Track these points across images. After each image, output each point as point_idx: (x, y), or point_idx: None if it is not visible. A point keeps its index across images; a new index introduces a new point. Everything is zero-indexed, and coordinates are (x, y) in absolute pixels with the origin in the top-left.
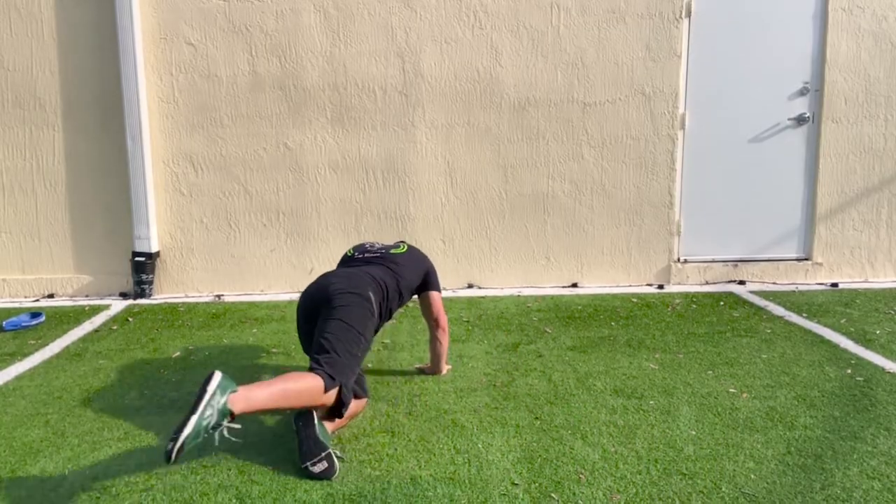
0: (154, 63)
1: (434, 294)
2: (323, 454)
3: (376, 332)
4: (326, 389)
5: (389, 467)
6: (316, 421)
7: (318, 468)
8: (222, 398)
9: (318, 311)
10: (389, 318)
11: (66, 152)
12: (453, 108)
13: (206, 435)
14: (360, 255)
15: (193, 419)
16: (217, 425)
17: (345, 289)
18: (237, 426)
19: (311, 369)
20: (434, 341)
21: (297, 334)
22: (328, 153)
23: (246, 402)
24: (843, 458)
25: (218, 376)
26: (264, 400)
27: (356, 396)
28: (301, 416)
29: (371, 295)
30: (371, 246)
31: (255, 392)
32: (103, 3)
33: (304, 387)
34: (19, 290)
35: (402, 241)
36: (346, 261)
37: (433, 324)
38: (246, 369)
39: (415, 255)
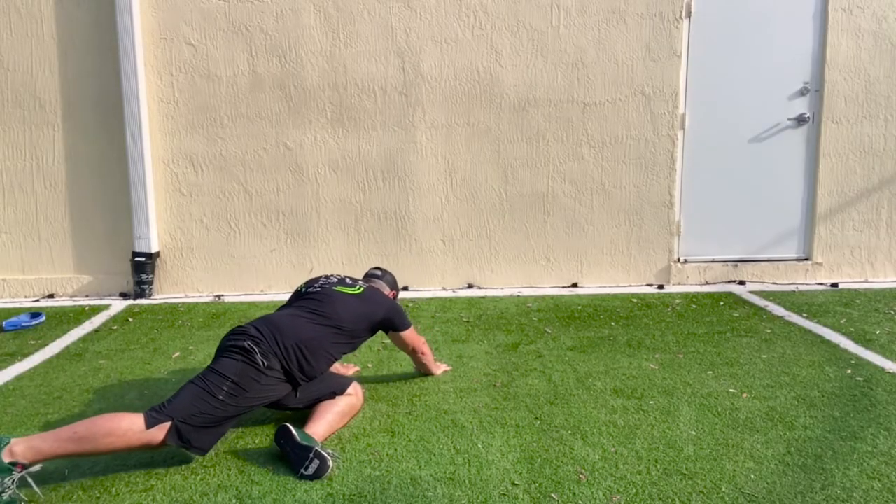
0: (154, 63)
1: (404, 333)
2: (311, 454)
3: (314, 375)
4: (148, 426)
5: (389, 467)
6: (294, 430)
7: (311, 469)
8: None
9: None
10: (322, 360)
11: (66, 152)
12: (453, 108)
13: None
14: (305, 290)
15: None
16: (4, 483)
17: (231, 341)
18: (35, 468)
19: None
20: (417, 364)
21: None
22: (328, 153)
23: (30, 450)
24: (843, 458)
25: None
26: (53, 446)
27: (338, 393)
28: (280, 433)
29: (249, 345)
30: (328, 279)
31: (41, 440)
32: (103, 3)
33: (112, 428)
34: (19, 290)
35: (376, 270)
36: (293, 295)
37: (410, 354)
38: None
39: (370, 297)
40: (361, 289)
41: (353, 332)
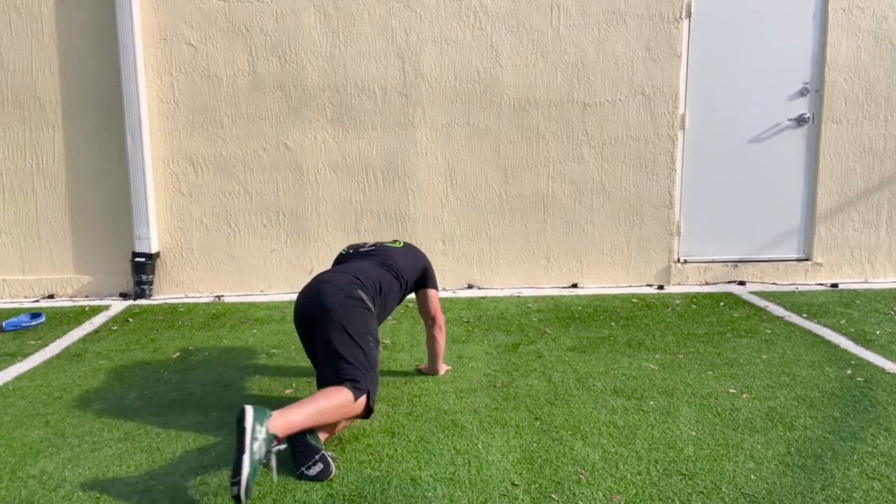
0: (154, 63)
1: (432, 291)
2: (317, 456)
3: (380, 323)
4: (356, 399)
5: (389, 467)
6: None
7: (313, 471)
8: (262, 428)
9: (313, 319)
10: (389, 309)
11: (66, 152)
12: (453, 109)
13: (262, 465)
14: (354, 252)
15: (246, 459)
16: (268, 453)
17: (335, 293)
18: (283, 446)
19: (338, 383)
20: (431, 339)
21: (296, 335)
22: (328, 153)
23: (286, 424)
24: (843, 458)
25: (250, 411)
26: (302, 420)
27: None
28: None
29: (359, 293)
30: (365, 243)
31: (291, 415)
32: (103, 4)
33: (337, 402)
34: (19, 290)
35: (397, 240)
36: (340, 259)
37: (430, 322)
38: (246, 370)
39: (411, 250)
40: (402, 243)
41: (407, 284)
